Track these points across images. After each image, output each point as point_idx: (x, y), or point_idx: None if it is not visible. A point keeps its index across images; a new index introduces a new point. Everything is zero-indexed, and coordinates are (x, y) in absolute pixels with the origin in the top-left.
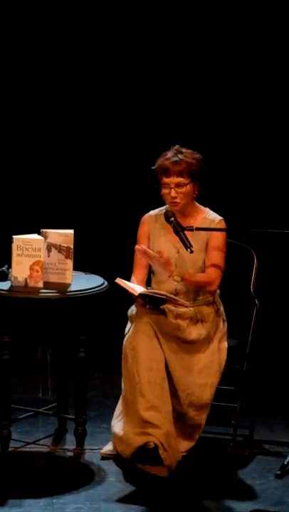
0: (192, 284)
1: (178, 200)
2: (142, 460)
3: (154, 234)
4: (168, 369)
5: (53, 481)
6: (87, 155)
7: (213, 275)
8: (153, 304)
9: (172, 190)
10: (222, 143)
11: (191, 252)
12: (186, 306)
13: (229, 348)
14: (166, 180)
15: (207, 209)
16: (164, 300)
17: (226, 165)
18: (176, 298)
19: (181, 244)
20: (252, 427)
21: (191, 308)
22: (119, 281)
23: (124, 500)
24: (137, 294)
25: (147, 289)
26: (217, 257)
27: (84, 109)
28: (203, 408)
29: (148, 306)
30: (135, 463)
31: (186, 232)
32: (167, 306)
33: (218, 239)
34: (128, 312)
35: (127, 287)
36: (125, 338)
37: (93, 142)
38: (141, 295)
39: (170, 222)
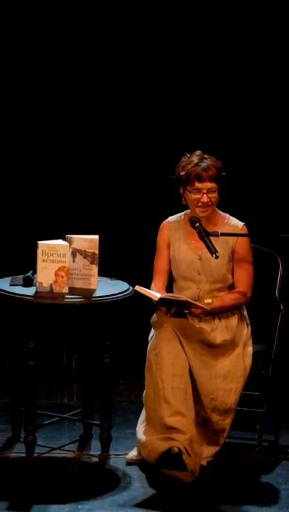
0: (224, 306)
1: (210, 204)
2: (166, 465)
3: (174, 242)
4: (191, 374)
5: (78, 486)
6: (112, 162)
7: (243, 289)
8: (176, 311)
9: (204, 195)
10: (243, 147)
11: (217, 257)
12: (207, 310)
13: (254, 354)
14: (198, 185)
15: (227, 215)
16: (185, 305)
17: (248, 169)
18: (197, 303)
19: (202, 251)
20: (277, 432)
21: (215, 315)
22: (138, 288)
23: (149, 505)
24: (157, 299)
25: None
26: (245, 267)
27: (108, 117)
28: (228, 413)
29: (170, 314)
30: (160, 468)
31: (211, 237)
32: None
33: (244, 248)
34: (151, 319)
35: (147, 293)
36: (149, 345)
37: (118, 149)
38: (161, 299)
39: (195, 228)
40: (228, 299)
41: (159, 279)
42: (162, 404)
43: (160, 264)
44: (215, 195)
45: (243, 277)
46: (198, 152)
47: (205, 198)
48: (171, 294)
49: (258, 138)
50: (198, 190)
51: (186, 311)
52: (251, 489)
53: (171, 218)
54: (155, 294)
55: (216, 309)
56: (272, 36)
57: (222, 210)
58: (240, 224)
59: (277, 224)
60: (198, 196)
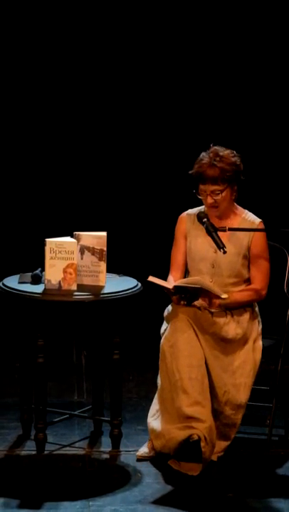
0: (240, 301)
1: (216, 205)
2: (183, 455)
3: (191, 233)
4: (207, 366)
5: (89, 483)
6: (120, 157)
7: (258, 286)
8: (188, 298)
9: (208, 197)
10: (258, 142)
11: (224, 252)
12: (222, 298)
13: (264, 348)
14: (201, 187)
15: (246, 211)
16: (198, 293)
17: (259, 164)
18: (212, 287)
19: None
20: (287, 426)
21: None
22: (151, 278)
23: (160, 501)
24: (171, 287)
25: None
26: (261, 264)
27: (115, 113)
28: (240, 408)
29: (182, 303)
30: (171, 464)
31: (222, 234)
32: (204, 304)
33: (260, 245)
34: (164, 312)
35: (160, 283)
36: (163, 337)
37: (128, 145)
38: (175, 287)
39: (203, 223)
40: (242, 295)
41: (177, 271)
42: (180, 394)
43: (177, 256)
44: (219, 197)
45: (258, 275)
46: (213, 148)
47: (209, 200)
48: (185, 280)
49: (274, 133)
50: (203, 192)
51: (199, 303)
52: (261, 484)
53: (190, 210)
54: (169, 282)
55: (230, 304)
56: (274, 34)
57: (239, 203)
58: (258, 220)
59: (285, 218)
60: (204, 197)
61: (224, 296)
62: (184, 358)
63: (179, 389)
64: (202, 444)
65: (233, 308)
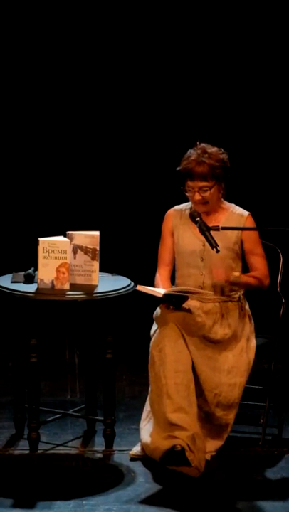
0: (248, 283)
1: (203, 202)
2: (171, 463)
3: (178, 228)
4: (194, 370)
5: (83, 482)
6: (112, 158)
7: (261, 275)
8: (177, 303)
9: (196, 193)
10: (247, 139)
11: (217, 251)
12: (211, 300)
13: (257, 347)
14: (190, 183)
15: (233, 205)
16: (186, 297)
17: (250, 161)
18: (201, 291)
19: None
20: (281, 425)
21: (216, 304)
22: (140, 288)
23: (154, 501)
24: (161, 295)
25: (171, 287)
26: (259, 256)
27: (107, 113)
28: (231, 408)
29: (171, 307)
30: (168, 466)
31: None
32: (194, 304)
33: (252, 237)
34: (154, 314)
35: (149, 291)
36: (152, 341)
37: (118, 143)
38: (165, 295)
39: (196, 222)
40: (249, 279)
41: (164, 268)
42: (165, 399)
43: (164, 252)
44: (207, 193)
45: (258, 265)
46: (201, 145)
47: (197, 196)
48: (175, 289)
49: (260, 131)
50: (191, 188)
51: (187, 305)
52: (255, 483)
53: (177, 207)
54: (158, 290)
55: (240, 284)
56: (272, 34)
57: (228, 201)
58: (246, 213)
59: (280, 217)
60: (191, 194)
61: (236, 273)
62: (170, 363)
63: (164, 394)
64: (187, 453)
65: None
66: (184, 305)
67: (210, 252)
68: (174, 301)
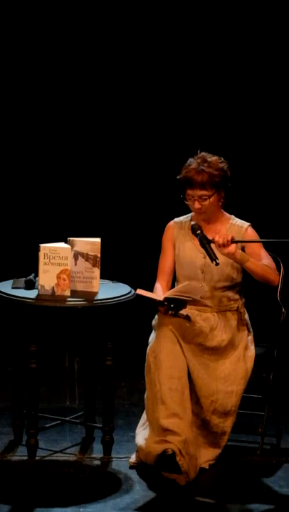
0: (255, 268)
1: (203, 210)
2: (163, 467)
3: (179, 240)
4: (190, 376)
5: (81, 489)
6: (114, 164)
7: (273, 265)
8: (175, 308)
9: (196, 201)
10: (248, 149)
11: (217, 264)
12: (210, 306)
13: (256, 356)
14: (189, 192)
15: (232, 216)
16: (185, 303)
17: (252, 171)
18: (200, 299)
19: None
20: (279, 435)
21: (214, 314)
22: (140, 291)
23: (151, 508)
24: (161, 299)
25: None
26: (261, 255)
27: (109, 119)
28: (228, 415)
29: (170, 313)
30: (161, 471)
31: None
32: (192, 311)
33: (253, 244)
34: (153, 322)
35: (149, 295)
36: (148, 347)
37: (120, 152)
38: (166, 299)
39: (197, 235)
40: (257, 264)
41: (163, 279)
42: (159, 405)
43: (165, 264)
44: (206, 202)
45: (267, 260)
46: (201, 154)
47: (196, 205)
48: (174, 290)
49: (262, 139)
50: (191, 196)
51: (186, 312)
52: (253, 492)
53: (177, 219)
54: (157, 294)
55: (246, 262)
56: (272, 36)
57: (228, 211)
58: (246, 224)
59: (280, 227)
60: (191, 202)
61: (210, 306)
62: (165, 369)
63: (158, 400)
64: (177, 457)
65: (221, 312)
66: (183, 311)
67: (210, 265)
68: (173, 307)
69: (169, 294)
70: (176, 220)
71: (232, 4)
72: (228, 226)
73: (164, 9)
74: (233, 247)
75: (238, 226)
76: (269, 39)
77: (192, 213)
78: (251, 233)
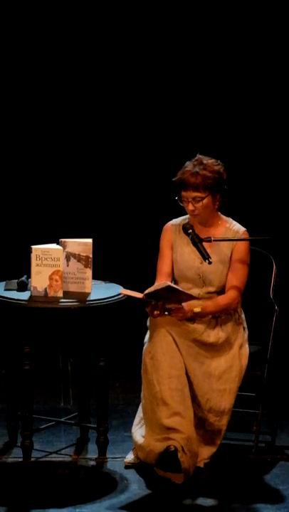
0: (214, 312)
1: (196, 212)
2: (164, 466)
3: (177, 243)
4: (187, 374)
5: (76, 490)
6: (105, 165)
7: (233, 295)
8: (161, 307)
9: (190, 203)
10: (242, 150)
11: (210, 263)
12: (198, 298)
13: (250, 355)
14: (183, 194)
15: (230, 219)
16: (170, 297)
17: (245, 171)
18: (187, 291)
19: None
20: (274, 433)
21: (210, 316)
22: (123, 290)
23: (147, 508)
24: (141, 296)
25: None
26: (239, 270)
27: (104, 120)
28: (223, 414)
29: (156, 313)
30: (156, 470)
31: (207, 243)
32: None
33: (241, 250)
34: (147, 322)
35: (131, 294)
36: (144, 348)
37: (113, 152)
38: (146, 295)
39: (188, 235)
40: (220, 300)
41: (162, 280)
42: (160, 406)
43: (163, 266)
44: (200, 204)
45: (234, 281)
46: (198, 157)
47: (190, 207)
48: (153, 287)
49: (259, 141)
50: (185, 198)
51: (172, 307)
52: (248, 490)
53: (174, 220)
54: (139, 292)
55: (201, 314)
56: (272, 37)
57: (223, 211)
58: (242, 229)
59: (273, 225)
60: (185, 204)
61: (197, 309)
62: (163, 369)
63: (159, 400)
64: (179, 454)
65: (217, 316)
66: (171, 305)
67: (208, 268)
68: (156, 304)
69: (148, 290)
70: (173, 222)
71: (232, 6)
72: (224, 230)
73: (164, 11)
74: (188, 315)
75: (233, 231)
76: (268, 42)
77: (188, 216)
78: (243, 240)
